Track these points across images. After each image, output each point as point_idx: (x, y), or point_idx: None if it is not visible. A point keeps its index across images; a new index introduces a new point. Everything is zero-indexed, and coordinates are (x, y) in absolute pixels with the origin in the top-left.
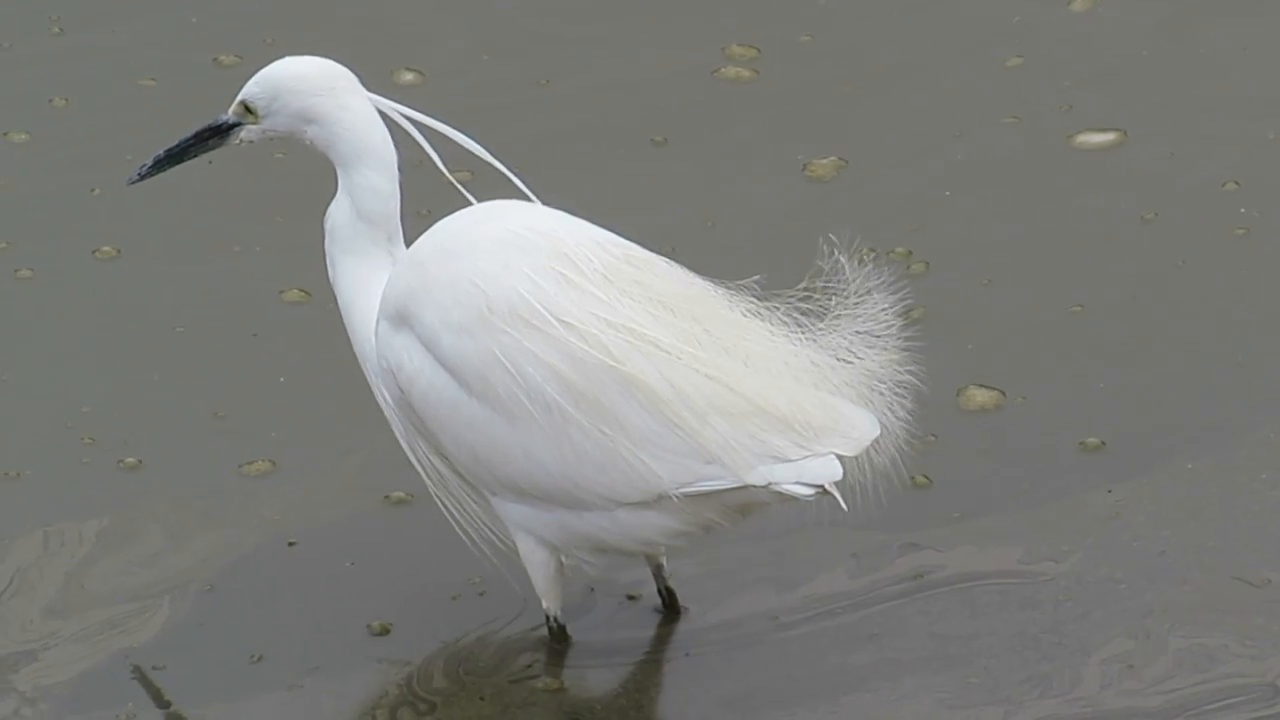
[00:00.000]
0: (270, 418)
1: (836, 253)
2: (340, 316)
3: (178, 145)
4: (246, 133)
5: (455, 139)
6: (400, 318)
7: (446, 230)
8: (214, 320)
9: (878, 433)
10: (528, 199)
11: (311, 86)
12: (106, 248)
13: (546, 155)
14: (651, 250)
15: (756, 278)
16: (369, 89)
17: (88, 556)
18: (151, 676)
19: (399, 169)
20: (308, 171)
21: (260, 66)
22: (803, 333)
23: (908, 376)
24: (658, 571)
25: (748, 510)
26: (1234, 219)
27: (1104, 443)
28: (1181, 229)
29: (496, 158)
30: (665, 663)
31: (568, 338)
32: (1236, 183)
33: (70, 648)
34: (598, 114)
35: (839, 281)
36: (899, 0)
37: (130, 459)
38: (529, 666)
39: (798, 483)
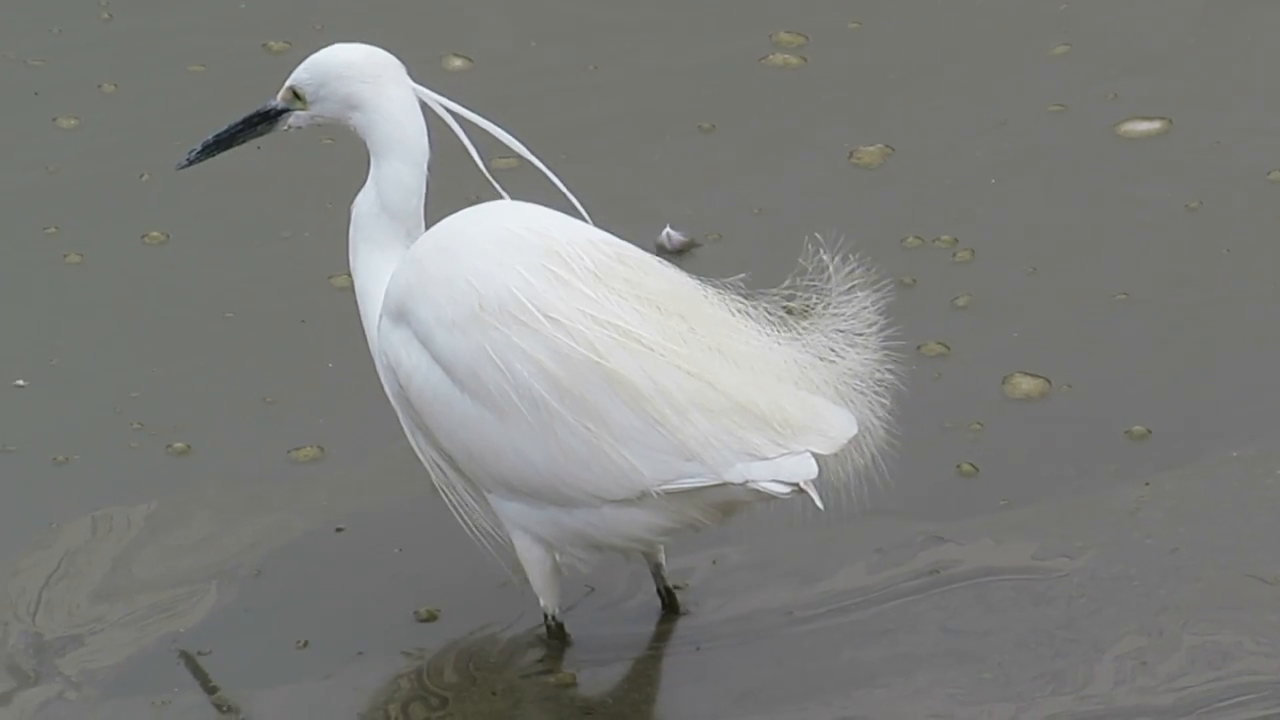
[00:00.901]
0: (319, 403)
1: (821, 251)
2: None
3: (226, 130)
4: (295, 119)
5: (495, 134)
6: (399, 314)
7: (446, 229)
8: (263, 306)
9: (855, 431)
10: (563, 194)
11: (358, 73)
12: (155, 233)
13: (594, 141)
14: (698, 236)
15: (742, 275)
16: (417, 76)
17: (135, 541)
18: (198, 661)
19: (440, 159)
20: (357, 157)
21: (309, 53)
22: (788, 331)
23: (888, 375)
24: (657, 571)
25: (730, 509)
26: (1279, 207)
27: (1150, 431)
28: (1227, 217)
29: (543, 144)
30: (677, 657)
31: (554, 333)
32: None
33: (116, 632)
34: (645, 100)
35: (823, 280)
36: None
37: (179, 444)
38: (540, 661)
39: (774, 480)
